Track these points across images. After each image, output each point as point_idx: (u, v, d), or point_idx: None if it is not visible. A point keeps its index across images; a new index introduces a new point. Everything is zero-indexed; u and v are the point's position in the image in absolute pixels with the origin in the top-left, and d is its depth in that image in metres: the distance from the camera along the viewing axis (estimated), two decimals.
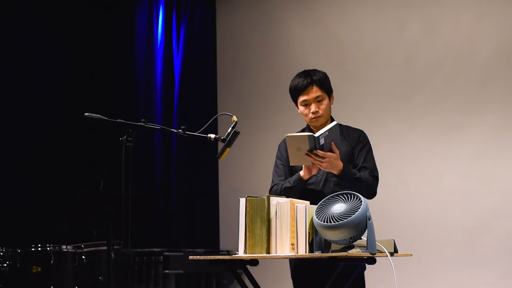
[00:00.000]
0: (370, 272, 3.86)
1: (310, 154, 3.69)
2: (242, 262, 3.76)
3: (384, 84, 6.48)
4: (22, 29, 6.99)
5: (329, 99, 4.02)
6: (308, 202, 3.62)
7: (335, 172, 3.83)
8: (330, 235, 3.36)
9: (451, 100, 6.13)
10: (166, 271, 6.78)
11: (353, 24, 6.70)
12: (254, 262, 3.74)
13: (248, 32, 7.40)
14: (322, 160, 3.71)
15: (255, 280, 3.85)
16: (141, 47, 7.68)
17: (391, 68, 6.46)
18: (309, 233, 3.48)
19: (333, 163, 3.75)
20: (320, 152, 3.70)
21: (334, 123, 3.79)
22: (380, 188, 4.00)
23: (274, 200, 3.54)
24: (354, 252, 3.38)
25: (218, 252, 7.27)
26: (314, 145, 3.68)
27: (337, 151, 3.76)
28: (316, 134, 3.68)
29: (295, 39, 7.01)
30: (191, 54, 7.66)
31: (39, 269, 5.50)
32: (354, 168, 3.95)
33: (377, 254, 3.45)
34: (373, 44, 6.56)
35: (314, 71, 4.02)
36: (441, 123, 6.17)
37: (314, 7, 6.93)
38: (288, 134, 3.75)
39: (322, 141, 3.68)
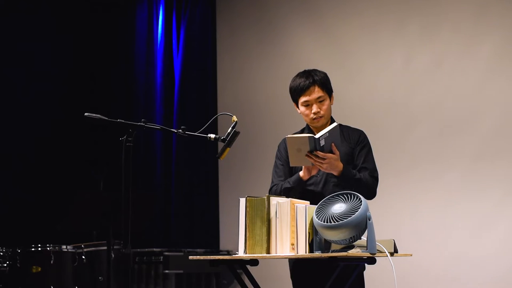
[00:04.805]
0: (370, 272, 3.86)
1: (310, 155, 3.69)
2: (242, 262, 3.77)
3: (383, 84, 6.48)
4: (22, 29, 6.99)
5: (330, 100, 4.02)
6: (308, 202, 3.62)
7: (335, 173, 3.83)
8: (330, 235, 3.37)
9: (451, 99, 6.13)
10: (166, 271, 6.78)
11: (353, 24, 6.70)
12: (254, 262, 3.75)
13: (248, 32, 7.40)
14: (323, 161, 3.72)
15: (255, 280, 3.85)
16: (141, 47, 7.68)
17: (391, 68, 6.46)
18: (309, 233, 3.48)
19: (333, 164, 3.76)
20: (320, 153, 3.70)
21: (334, 124, 3.79)
22: (380, 188, 4.00)
23: (274, 200, 3.54)
24: (354, 252, 3.38)
25: (218, 252, 7.26)
26: (315, 146, 3.68)
27: (337, 152, 3.76)
28: (317, 136, 3.68)
29: (295, 39, 7.01)
30: (191, 54, 7.66)
31: (39, 269, 5.50)
32: (354, 168, 3.95)
33: (377, 254, 3.45)
34: (373, 44, 6.56)
35: (315, 71, 4.02)
36: (441, 123, 6.17)
37: (314, 7, 6.93)
38: (289, 136, 3.76)
39: (322, 142, 3.69)
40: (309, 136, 3.66)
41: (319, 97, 3.97)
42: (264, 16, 7.28)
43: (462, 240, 5.98)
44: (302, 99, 3.98)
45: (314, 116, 3.97)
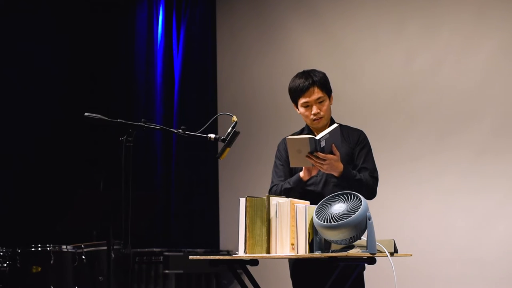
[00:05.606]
0: (370, 272, 3.86)
1: (310, 156, 3.69)
2: (242, 262, 3.77)
3: (384, 84, 6.48)
4: (22, 29, 6.99)
5: (329, 100, 4.02)
6: (308, 202, 3.62)
7: (335, 174, 3.83)
8: (330, 235, 3.37)
9: (451, 100, 6.13)
10: (166, 271, 6.78)
11: (353, 24, 6.70)
12: (254, 262, 3.75)
13: (248, 32, 7.40)
14: (323, 163, 3.72)
15: (255, 280, 3.85)
16: (141, 47, 7.68)
17: (391, 68, 6.46)
18: (309, 233, 3.48)
19: (333, 165, 3.76)
20: (320, 155, 3.70)
21: (335, 125, 3.78)
22: (380, 188, 4.00)
23: (274, 200, 3.54)
24: (354, 252, 3.38)
25: (218, 252, 7.27)
26: (315, 148, 3.68)
27: (338, 153, 3.76)
28: (317, 137, 3.68)
29: (295, 39, 7.01)
30: (191, 54, 7.66)
31: (39, 269, 5.50)
32: (354, 168, 3.95)
33: (377, 254, 3.45)
34: (373, 44, 6.56)
35: (314, 71, 4.01)
36: (441, 123, 6.17)
37: (314, 7, 6.93)
38: (289, 137, 3.76)
39: (323, 144, 3.69)
40: (309, 138, 3.66)
41: (318, 98, 3.96)
42: (264, 16, 7.28)
43: (462, 240, 5.98)
44: (302, 100, 3.97)
45: (314, 117, 3.97)
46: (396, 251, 3.56)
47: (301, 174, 3.89)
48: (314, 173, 3.89)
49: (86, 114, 3.77)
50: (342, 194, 3.44)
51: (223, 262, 3.71)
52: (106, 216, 4.78)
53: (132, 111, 7.54)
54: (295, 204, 3.52)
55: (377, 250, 3.45)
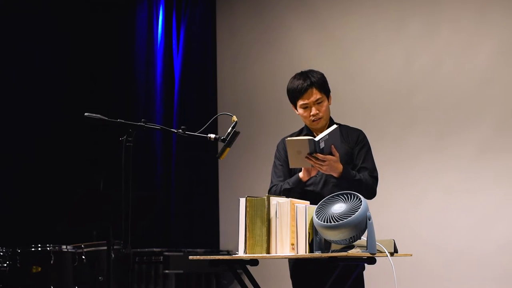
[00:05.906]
0: (370, 272, 3.86)
1: (310, 157, 3.69)
2: (242, 262, 3.77)
3: (384, 84, 6.48)
4: (22, 29, 6.99)
5: (328, 100, 4.01)
6: (308, 202, 3.62)
7: (335, 175, 3.83)
8: (330, 235, 3.37)
9: (451, 100, 6.13)
10: (166, 271, 6.78)
11: (353, 24, 6.70)
12: (254, 262, 3.75)
13: (248, 32, 7.40)
14: (322, 164, 3.72)
15: (255, 280, 3.85)
16: (141, 47, 7.68)
17: (391, 68, 6.46)
18: (309, 233, 3.48)
19: (333, 166, 3.76)
20: (320, 156, 3.70)
21: (334, 126, 3.78)
22: (380, 188, 4.00)
23: (274, 200, 3.54)
24: (354, 252, 3.38)
25: (218, 252, 7.26)
26: (314, 149, 3.68)
27: (337, 154, 3.76)
28: (317, 138, 3.68)
29: (295, 39, 7.01)
30: (191, 54, 7.65)
31: (39, 269, 5.50)
32: (354, 168, 3.95)
33: (377, 254, 3.45)
34: (373, 44, 6.56)
35: (312, 72, 4.00)
36: (441, 123, 6.17)
37: (314, 7, 6.93)
38: (288, 138, 3.76)
39: (322, 145, 3.69)
40: (309, 139, 3.66)
41: (317, 99, 3.95)
42: (264, 16, 7.28)
43: (462, 239, 5.98)
44: (300, 102, 3.96)
45: (313, 118, 3.96)
46: (396, 251, 3.56)
47: (301, 174, 3.89)
48: (313, 173, 3.89)
49: (86, 114, 3.77)
50: (342, 194, 3.44)
51: (223, 262, 3.71)
52: (106, 216, 4.78)
53: (132, 111, 7.54)
54: (295, 204, 3.52)
55: (377, 250, 3.45)
